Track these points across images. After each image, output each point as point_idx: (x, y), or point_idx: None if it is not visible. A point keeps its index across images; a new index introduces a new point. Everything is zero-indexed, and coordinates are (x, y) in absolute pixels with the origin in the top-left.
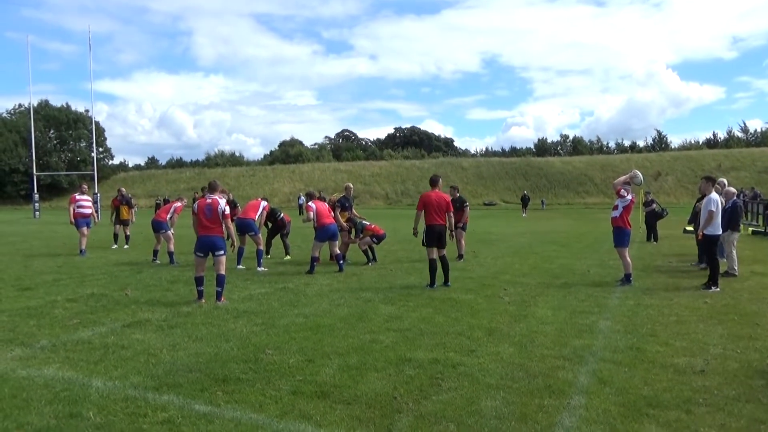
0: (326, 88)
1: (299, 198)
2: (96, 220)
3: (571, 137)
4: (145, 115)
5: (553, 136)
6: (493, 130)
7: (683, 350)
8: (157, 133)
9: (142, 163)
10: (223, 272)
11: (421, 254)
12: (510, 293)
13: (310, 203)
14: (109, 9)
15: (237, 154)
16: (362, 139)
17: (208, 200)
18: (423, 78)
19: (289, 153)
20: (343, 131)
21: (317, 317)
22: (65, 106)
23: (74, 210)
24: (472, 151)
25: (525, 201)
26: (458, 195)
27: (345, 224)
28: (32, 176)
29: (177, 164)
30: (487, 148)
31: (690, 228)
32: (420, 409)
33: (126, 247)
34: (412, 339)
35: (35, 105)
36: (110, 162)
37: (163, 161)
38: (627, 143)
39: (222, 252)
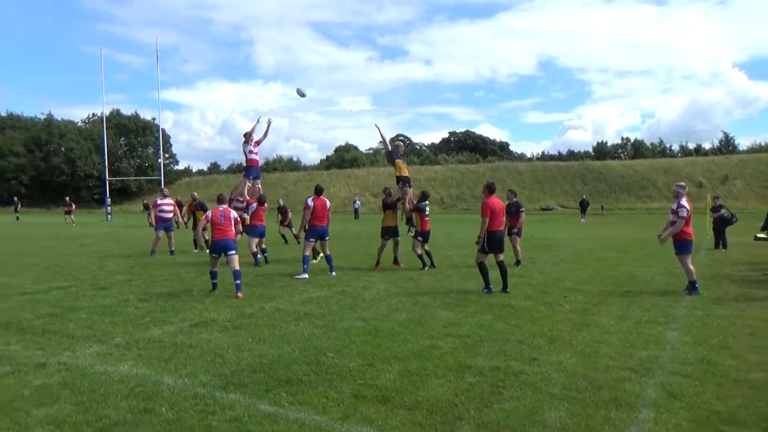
0: (381, 93)
1: (355, 202)
2: (178, 223)
3: (632, 140)
4: (208, 121)
5: (612, 139)
6: (549, 133)
7: (759, 365)
8: (219, 139)
9: (205, 168)
10: (238, 268)
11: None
12: (571, 301)
13: (308, 200)
14: (175, 21)
15: (294, 159)
16: (417, 144)
17: (221, 209)
18: (477, 82)
19: (344, 158)
20: (397, 136)
21: (376, 321)
22: (134, 114)
23: (156, 213)
24: (528, 155)
25: (584, 206)
26: (515, 200)
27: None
28: (105, 181)
29: (237, 169)
30: (543, 152)
31: (763, 235)
32: (482, 417)
33: (194, 251)
34: (472, 345)
35: (107, 114)
36: (175, 167)
37: (224, 166)
38: (691, 146)
39: (234, 252)
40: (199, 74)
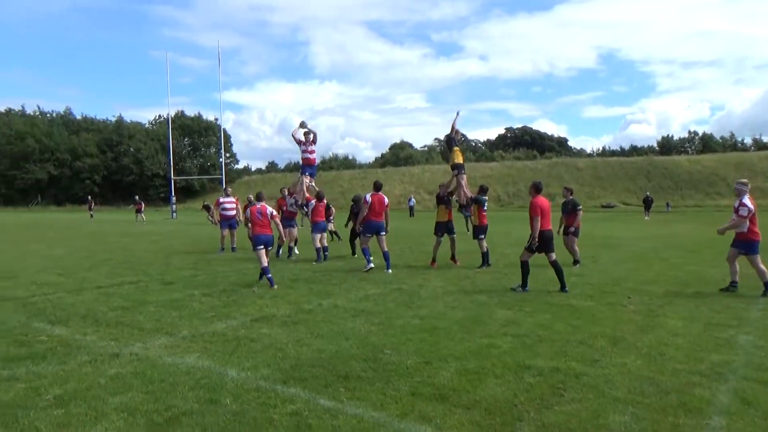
0: (436, 90)
1: (410, 200)
2: (240, 221)
3: (699, 134)
4: (267, 121)
5: (678, 133)
6: (610, 128)
7: None
8: (277, 138)
9: (263, 167)
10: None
11: (535, 259)
12: (634, 301)
13: (366, 196)
14: (236, 24)
15: (350, 157)
16: (472, 141)
17: (258, 206)
18: (535, 76)
19: (399, 155)
20: (456, 131)
21: (433, 319)
22: (197, 115)
23: (219, 212)
24: (588, 151)
25: (647, 203)
26: (571, 197)
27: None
28: (170, 180)
29: (294, 168)
30: (604, 148)
31: None
32: (542, 419)
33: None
34: (531, 345)
35: (172, 115)
36: (235, 166)
37: (281, 165)
38: (766, 139)
39: (271, 247)
40: (258, 75)
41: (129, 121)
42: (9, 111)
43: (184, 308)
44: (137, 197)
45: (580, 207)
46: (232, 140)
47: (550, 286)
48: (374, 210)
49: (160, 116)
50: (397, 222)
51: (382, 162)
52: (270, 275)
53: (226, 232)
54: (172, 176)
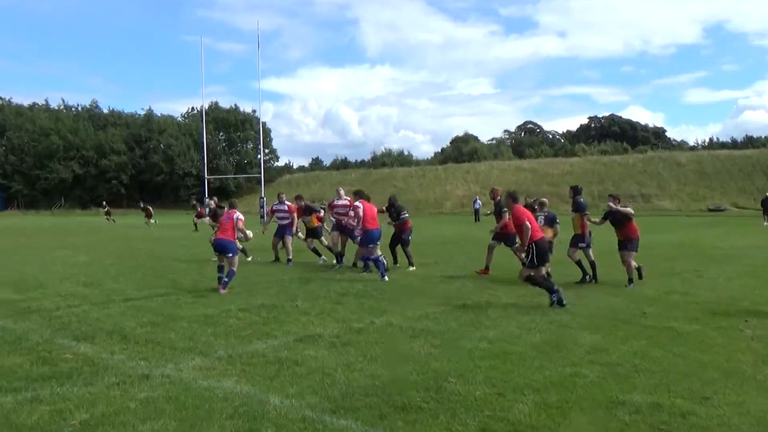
0: (505, 73)
1: (475, 202)
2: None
3: None
4: (310, 113)
5: None
6: (718, 115)
7: None
8: (322, 131)
9: (306, 165)
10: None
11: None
12: (753, 325)
13: (357, 203)
14: (277, 3)
15: (405, 152)
16: (548, 132)
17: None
18: (624, 55)
19: (462, 150)
20: (525, 123)
21: (504, 343)
22: (233, 107)
23: (275, 219)
24: (691, 143)
25: (767, 206)
26: (617, 207)
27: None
28: (203, 179)
29: (342, 165)
30: (711, 139)
31: None
32: None
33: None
34: (624, 376)
35: (206, 108)
36: (275, 164)
37: (327, 162)
38: None
39: (231, 254)
40: (300, 61)
41: (159, 114)
42: (33, 106)
43: (219, 325)
44: (142, 203)
45: (629, 211)
46: (272, 134)
47: (645, 305)
48: (369, 218)
49: (193, 108)
50: (460, 227)
51: (442, 158)
52: (222, 276)
53: (278, 240)
54: (206, 175)
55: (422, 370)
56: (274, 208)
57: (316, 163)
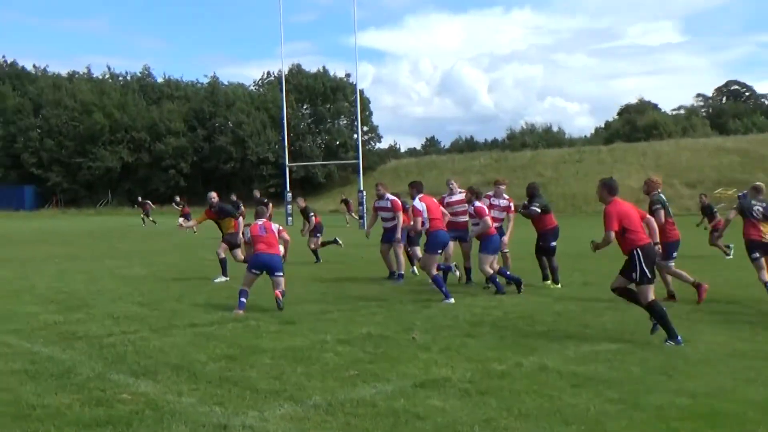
0: (697, 14)
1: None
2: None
3: None
4: (422, 76)
5: None
6: None
7: None
8: (438, 101)
9: (418, 146)
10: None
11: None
12: None
13: (415, 201)
14: None
15: (554, 128)
16: (763, 97)
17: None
18: None
19: (635, 124)
20: (727, 84)
21: (711, 398)
22: (321, 71)
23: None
24: None
25: None
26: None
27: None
28: (284, 168)
29: (467, 146)
30: None
31: None
32: None
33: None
34: None
35: (286, 73)
36: (377, 145)
37: (446, 142)
38: None
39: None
40: (409, 6)
41: (226, 83)
42: (73, 75)
43: (312, 361)
44: (140, 198)
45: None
46: (372, 106)
47: None
48: (435, 216)
49: (269, 74)
50: None
51: (607, 135)
52: (243, 299)
53: (387, 247)
54: (287, 161)
55: None
56: (376, 205)
57: (431, 145)
